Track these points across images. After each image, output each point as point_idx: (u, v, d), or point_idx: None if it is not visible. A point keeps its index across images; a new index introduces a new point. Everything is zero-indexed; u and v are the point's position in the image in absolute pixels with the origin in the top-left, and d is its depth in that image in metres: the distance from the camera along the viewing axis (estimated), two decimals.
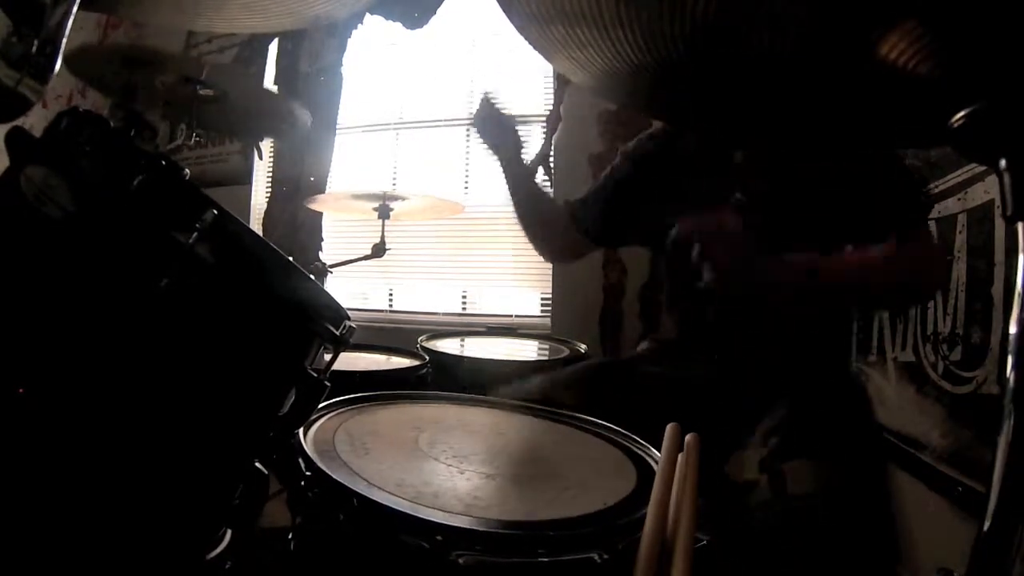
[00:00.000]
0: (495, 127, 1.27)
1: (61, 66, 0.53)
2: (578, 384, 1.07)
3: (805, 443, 0.78)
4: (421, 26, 2.51)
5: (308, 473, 0.59)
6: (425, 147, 2.84)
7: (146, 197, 0.54)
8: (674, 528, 0.52)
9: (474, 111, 1.29)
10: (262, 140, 2.70)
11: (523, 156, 1.30)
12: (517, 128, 1.29)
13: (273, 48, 2.81)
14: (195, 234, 0.53)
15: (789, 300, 0.85)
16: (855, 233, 0.94)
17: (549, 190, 1.37)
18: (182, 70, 1.31)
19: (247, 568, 0.70)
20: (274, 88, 2.74)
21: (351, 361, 1.37)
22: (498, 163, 1.28)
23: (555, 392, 1.01)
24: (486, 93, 1.29)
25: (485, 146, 1.29)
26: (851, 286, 0.90)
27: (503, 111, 1.28)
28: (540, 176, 2.45)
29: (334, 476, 0.56)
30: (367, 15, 2.55)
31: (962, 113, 0.40)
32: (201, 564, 0.63)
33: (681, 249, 0.95)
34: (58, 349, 0.54)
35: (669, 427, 0.68)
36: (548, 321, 2.46)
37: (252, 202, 2.87)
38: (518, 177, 1.30)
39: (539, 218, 1.33)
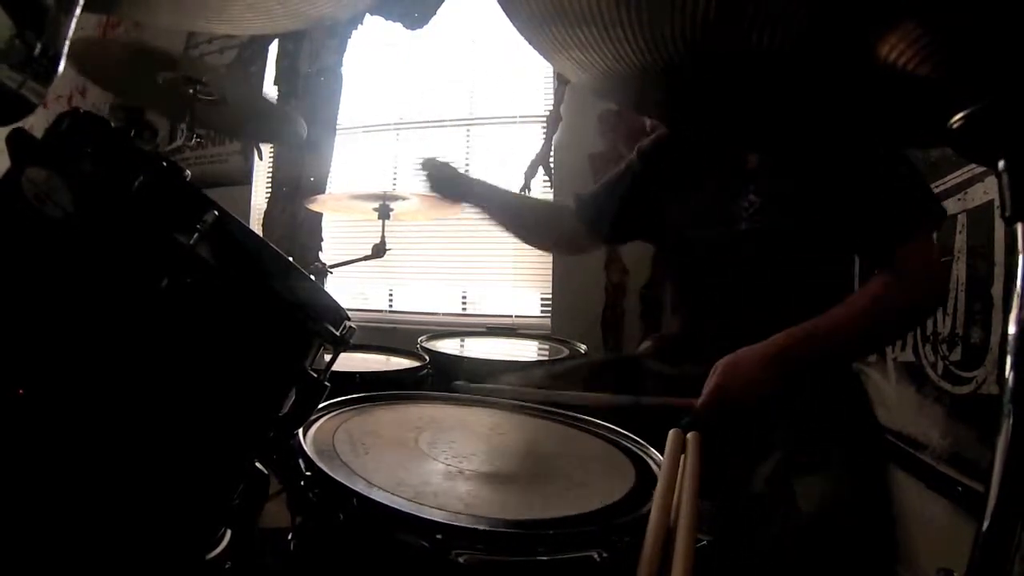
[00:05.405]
0: (445, 182, 1.28)
1: (65, 65, 0.53)
2: (581, 380, 1.06)
3: (811, 458, 0.77)
4: (421, 26, 2.51)
5: (308, 473, 0.59)
6: (425, 147, 2.83)
7: (147, 198, 0.54)
8: (674, 527, 0.52)
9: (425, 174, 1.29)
10: (261, 142, 2.71)
11: (478, 186, 1.30)
12: (455, 170, 1.29)
13: (273, 49, 2.81)
14: (196, 235, 0.53)
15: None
16: (867, 234, 0.94)
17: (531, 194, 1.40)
18: (185, 70, 1.31)
19: (247, 568, 0.70)
20: (273, 92, 2.75)
21: (351, 361, 1.37)
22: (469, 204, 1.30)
23: (556, 387, 1.01)
24: (424, 161, 1.29)
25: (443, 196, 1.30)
26: (853, 340, 0.90)
27: (440, 163, 1.28)
28: (540, 176, 2.46)
29: (334, 476, 0.57)
30: (367, 15, 2.56)
31: (962, 113, 0.40)
32: (201, 564, 0.63)
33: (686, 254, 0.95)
34: (58, 349, 0.54)
35: (671, 432, 0.68)
36: (548, 321, 2.46)
37: (252, 202, 2.87)
38: (492, 200, 1.30)
39: (528, 224, 1.34)
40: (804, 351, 0.86)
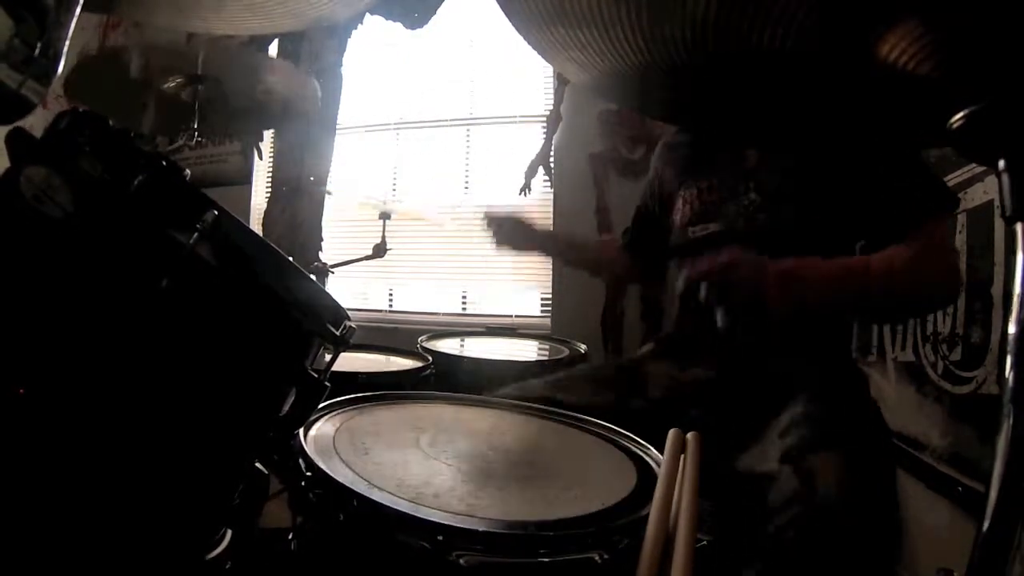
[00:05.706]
0: (514, 234, 1.35)
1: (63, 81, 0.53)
2: (581, 386, 1.06)
3: (830, 434, 0.76)
4: (421, 26, 2.51)
5: (309, 474, 0.59)
6: (425, 147, 2.84)
7: (146, 197, 0.54)
8: (674, 528, 0.52)
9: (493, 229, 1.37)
10: (266, 129, 2.69)
11: (544, 236, 1.41)
12: (520, 220, 1.36)
13: (273, 49, 2.81)
14: (195, 234, 0.53)
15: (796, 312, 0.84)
16: (868, 229, 0.94)
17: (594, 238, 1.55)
18: (179, 65, 1.29)
19: (247, 568, 0.70)
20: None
21: (351, 361, 1.37)
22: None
23: (556, 394, 1.00)
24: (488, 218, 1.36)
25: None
26: (857, 295, 0.87)
27: (503, 218, 1.36)
28: (540, 176, 2.46)
29: (335, 476, 0.56)
30: (367, 15, 2.55)
31: (962, 113, 0.40)
32: (201, 564, 0.63)
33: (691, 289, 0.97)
34: (58, 349, 0.54)
35: (671, 432, 0.68)
36: (548, 321, 2.46)
37: (252, 202, 2.87)
38: (557, 248, 1.45)
39: (591, 264, 1.49)
40: (822, 285, 0.84)
